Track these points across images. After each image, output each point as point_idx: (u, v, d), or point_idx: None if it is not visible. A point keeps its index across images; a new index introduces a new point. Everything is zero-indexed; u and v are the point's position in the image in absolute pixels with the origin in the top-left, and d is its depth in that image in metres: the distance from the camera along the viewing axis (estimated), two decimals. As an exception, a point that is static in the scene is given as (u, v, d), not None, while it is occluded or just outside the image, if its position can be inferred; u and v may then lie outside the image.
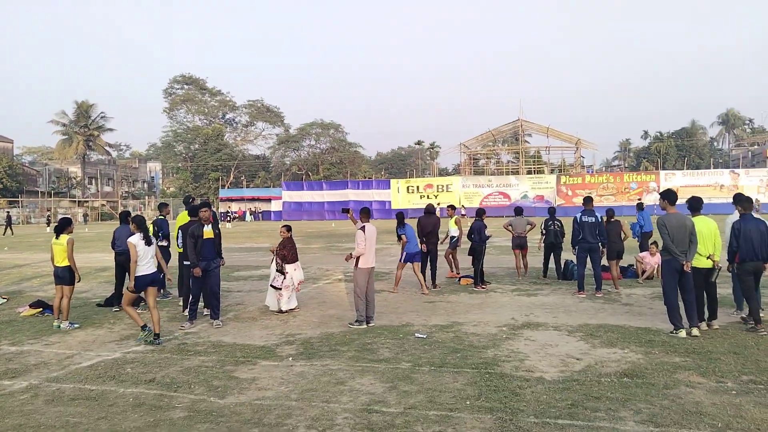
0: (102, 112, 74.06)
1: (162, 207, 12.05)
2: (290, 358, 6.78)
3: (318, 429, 4.68)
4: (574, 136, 66.20)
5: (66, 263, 8.88)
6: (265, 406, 5.21)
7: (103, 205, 69.09)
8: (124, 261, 9.97)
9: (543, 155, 72.74)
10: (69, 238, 8.90)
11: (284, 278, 9.52)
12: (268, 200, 64.16)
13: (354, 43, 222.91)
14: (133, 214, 9.62)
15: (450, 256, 13.36)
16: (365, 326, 8.39)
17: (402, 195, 58.42)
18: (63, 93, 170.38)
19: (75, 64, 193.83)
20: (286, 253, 9.67)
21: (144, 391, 5.70)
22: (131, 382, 6.02)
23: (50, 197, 68.83)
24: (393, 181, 61.27)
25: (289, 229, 9.91)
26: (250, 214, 62.29)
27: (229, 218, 55.46)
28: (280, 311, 9.50)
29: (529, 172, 64.58)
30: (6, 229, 39.15)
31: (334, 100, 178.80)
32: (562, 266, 12.76)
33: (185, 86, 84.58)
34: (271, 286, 9.62)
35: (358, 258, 8.62)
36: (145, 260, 7.73)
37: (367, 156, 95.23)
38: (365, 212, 9.09)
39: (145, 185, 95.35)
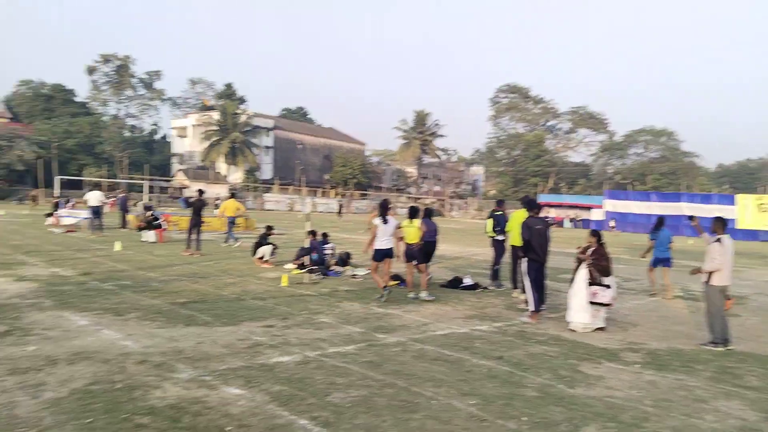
0: (436, 120, 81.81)
1: (500, 203, 12.69)
2: (637, 366, 6.46)
3: (682, 440, 4.36)
4: None
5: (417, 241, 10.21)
6: (617, 405, 5.08)
7: (432, 202, 76.30)
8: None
9: None
10: (421, 222, 10.13)
11: (609, 292, 8.35)
12: (588, 208, 61.86)
13: (689, 45, 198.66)
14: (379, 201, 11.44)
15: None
16: (722, 349, 7.44)
17: (752, 213, 49.82)
18: (404, 103, 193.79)
19: (416, 77, 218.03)
20: (606, 264, 8.45)
21: (495, 365, 6.14)
22: (482, 355, 6.54)
23: (391, 192, 79.12)
24: (739, 197, 52.60)
25: (595, 234, 8.68)
26: (570, 221, 61.10)
27: (545, 224, 55.47)
28: (599, 329, 8.20)
29: None
30: (339, 213, 48.54)
31: (666, 106, 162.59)
32: None
33: (510, 95, 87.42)
34: (593, 303, 8.23)
35: (711, 273, 7.68)
36: (384, 237, 9.80)
37: (705, 167, 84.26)
38: (720, 222, 8.01)
39: (469, 187, 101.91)
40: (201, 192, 16.62)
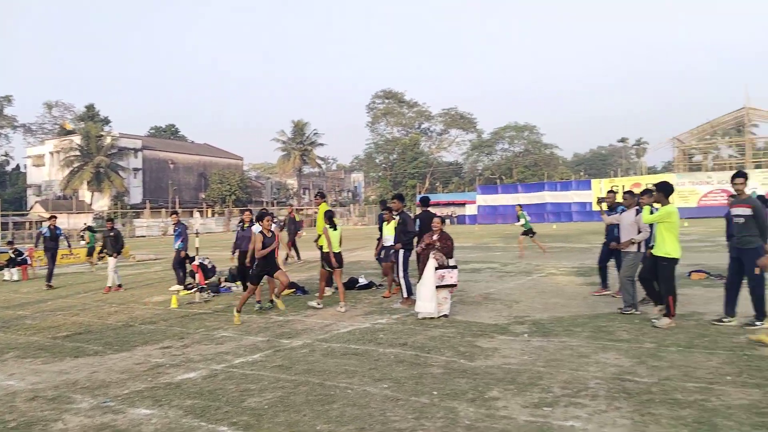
0: (314, 129, 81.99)
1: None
2: (526, 335, 7.06)
3: (572, 390, 4.88)
4: (817, 122, 56.55)
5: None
6: (513, 369, 5.55)
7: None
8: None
9: (776, 147, 63.29)
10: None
11: (455, 273, 8.41)
12: (463, 204, 65.08)
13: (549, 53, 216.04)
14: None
15: None
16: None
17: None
18: (283, 113, 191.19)
19: (292, 87, 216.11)
20: (451, 244, 8.58)
21: (401, 351, 6.42)
22: (387, 344, 6.80)
23: (273, 206, 77.87)
24: (594, 182, 57.91)
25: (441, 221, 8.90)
26: (447, 218, 63.88)
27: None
28: (444, 316, 8.22)
29: (757, 167, 56.63)
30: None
31: (527, 102, 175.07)
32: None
33: (386, 100, 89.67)
34: (442, 286, 8.21)
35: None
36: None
37: (563, 157, 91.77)
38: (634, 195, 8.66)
39: (350, 194, 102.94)
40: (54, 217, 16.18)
